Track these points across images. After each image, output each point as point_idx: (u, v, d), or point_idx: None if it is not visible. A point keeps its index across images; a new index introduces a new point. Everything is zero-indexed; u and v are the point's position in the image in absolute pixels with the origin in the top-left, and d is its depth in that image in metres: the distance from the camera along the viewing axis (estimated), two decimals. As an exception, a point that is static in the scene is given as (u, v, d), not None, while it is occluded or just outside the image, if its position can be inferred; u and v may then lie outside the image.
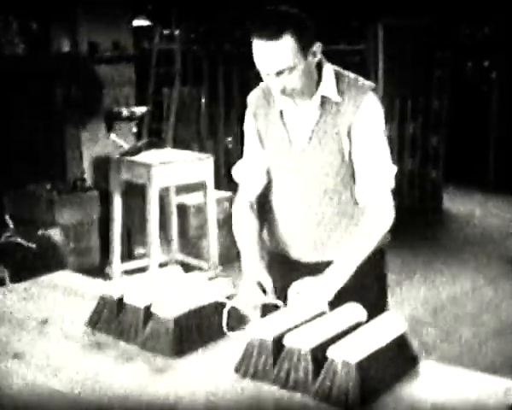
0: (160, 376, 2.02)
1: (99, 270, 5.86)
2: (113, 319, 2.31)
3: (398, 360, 1.98)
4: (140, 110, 6.40)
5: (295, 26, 2.25)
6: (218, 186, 6.33)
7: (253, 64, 2.36)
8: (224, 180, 7.62)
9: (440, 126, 8.38)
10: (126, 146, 5.99)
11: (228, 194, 6.54)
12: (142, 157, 5.76)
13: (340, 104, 2.40)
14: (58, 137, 6.52)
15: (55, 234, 5.65)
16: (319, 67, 2.42)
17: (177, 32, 7.78)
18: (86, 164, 6.50)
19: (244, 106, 2.67)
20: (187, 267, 3.41)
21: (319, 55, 2.37)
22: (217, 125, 8.10)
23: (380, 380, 1.89)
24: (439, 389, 1.93)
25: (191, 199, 6.39)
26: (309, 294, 2.27)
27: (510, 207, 8.23)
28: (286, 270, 2.55)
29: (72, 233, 5.96)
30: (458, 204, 8.60)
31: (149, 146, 6.06)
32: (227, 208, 6.34)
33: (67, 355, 2.17)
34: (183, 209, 6.37)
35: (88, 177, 6.48)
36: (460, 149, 9.01)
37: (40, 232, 5.75)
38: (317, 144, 2.43)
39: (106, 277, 5.63)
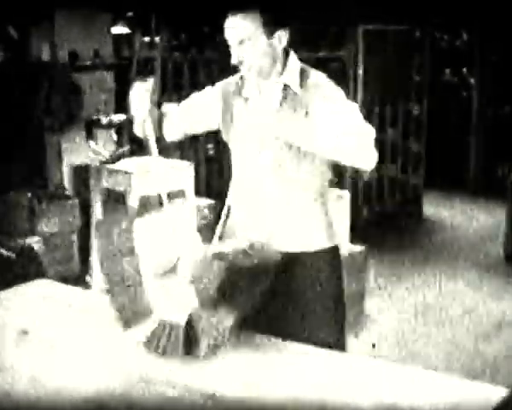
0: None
1: (79, 278, 5.83)
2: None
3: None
4: (119, 118, 6.37)
5: (263, 6, 2.41)
6: (198, 194, 6.31)
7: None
8: (205, 188, 7.61)
9: (420, 132, 8.41)
10: (106, 154, 5.97)
11: (208, 201, 6.53)
12: (123, 165, 5.74)
13: (299, 95, 2.47)
14: (38, 146, 6.49)
15: (36, 243, 5.63)
16: (286, 57, 2.53)
17: (157, 39, 7.77)
18: (66, 172, 6.47)
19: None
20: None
21: (284, 42, 2.47)
22: (197, 133, 8.05)
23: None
24: (421, 394, 1.93)
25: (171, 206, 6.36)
26: None
27: (490, 212, 8.28)
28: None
29: (53, 242, 5.93)
30: (439, 209, 8.63)
31: (129, 154, 6.03)
32: (207, 216, 6.33)
33: (51, 364, 2.16)
34: (163, 217, 6.34)
35: (68, 185, 6.45)
36: (440, 155, 9.05)
37: (20, 241, 5.72)
38: (280, 120, 2.40)
39: (86, 285, 5.60)
